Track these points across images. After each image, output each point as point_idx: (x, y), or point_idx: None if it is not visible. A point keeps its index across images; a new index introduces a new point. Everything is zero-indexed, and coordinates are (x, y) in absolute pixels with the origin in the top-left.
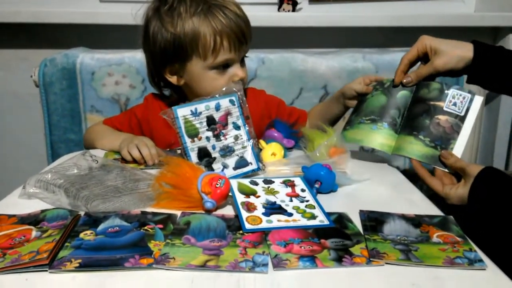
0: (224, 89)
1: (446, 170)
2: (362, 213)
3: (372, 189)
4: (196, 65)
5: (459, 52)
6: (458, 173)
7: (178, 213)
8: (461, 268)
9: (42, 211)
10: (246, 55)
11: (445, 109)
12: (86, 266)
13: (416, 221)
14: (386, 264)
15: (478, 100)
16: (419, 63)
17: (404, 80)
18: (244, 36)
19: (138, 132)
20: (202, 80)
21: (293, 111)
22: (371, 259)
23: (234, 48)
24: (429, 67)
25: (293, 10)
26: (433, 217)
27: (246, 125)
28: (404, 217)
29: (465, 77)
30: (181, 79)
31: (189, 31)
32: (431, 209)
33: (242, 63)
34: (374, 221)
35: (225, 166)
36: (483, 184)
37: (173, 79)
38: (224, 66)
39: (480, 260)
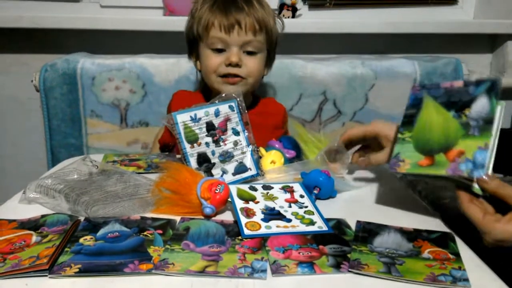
0: (223, 95)
1: (479, 193)
2: (358, 223)
3: (371, 195)
4: (201, 45)
5: None
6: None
7: (177, 218)
8: (442, 286)
9: (42, 216)
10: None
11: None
12: (85, 271)
13: (412, 235)
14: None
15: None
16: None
17: (359, 162)
18: (238, 23)
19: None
20: (202, 58)
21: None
22: (349, 269)
23: (224, 30)
24: (385, 156)
25: (293, 16)
26: (432, 232)
27: (246, 131)
28: (401, 230)
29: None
30: (198, 63)
31: (198, 17)
32: (427, 213)
33: (247, 53)
34: (368, 232)
35: (224, 172)
36: None
37: (195, 63)
38: (220, 50)
39: (465, 280)
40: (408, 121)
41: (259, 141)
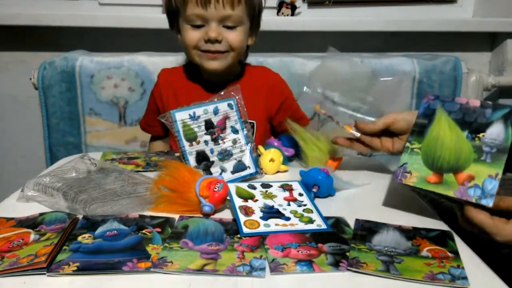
0: (222, 93)
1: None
2: (357, 221)
3: (370, 194)
4: (180, 19)
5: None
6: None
7: (176, 216)
8: (441, 284)
9: (41, 214)
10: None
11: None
12: (84, 269)
13: (411, 233)
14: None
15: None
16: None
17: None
18: None
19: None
20: (182, 33)
21: (297, 112)
22: (348, 268)
23: (201, 4)
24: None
25: (292, 14)
26: (431, 230)
27: (244, 129)
28: (400, 228)
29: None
30: (179, 37)
31: None
32: (426, 211)
33: (227, 27)
34: (366, 230)
35: (223, 170)
36: None
37: (176, 37)
38: (199, 26)
39: (464, 278)
40: (419, 131)
41: (253, 115)
